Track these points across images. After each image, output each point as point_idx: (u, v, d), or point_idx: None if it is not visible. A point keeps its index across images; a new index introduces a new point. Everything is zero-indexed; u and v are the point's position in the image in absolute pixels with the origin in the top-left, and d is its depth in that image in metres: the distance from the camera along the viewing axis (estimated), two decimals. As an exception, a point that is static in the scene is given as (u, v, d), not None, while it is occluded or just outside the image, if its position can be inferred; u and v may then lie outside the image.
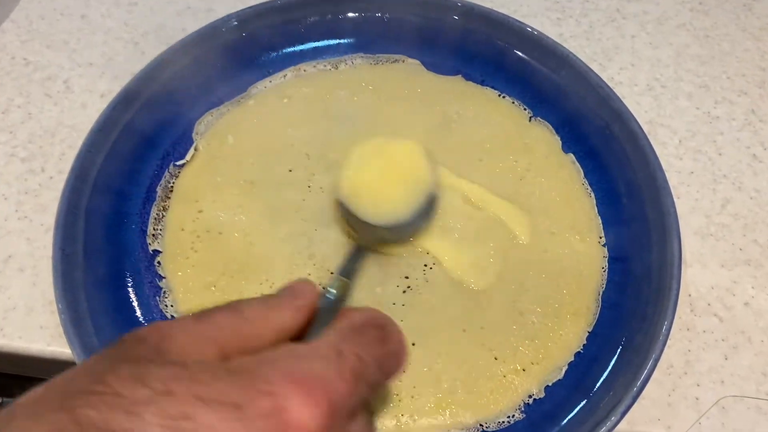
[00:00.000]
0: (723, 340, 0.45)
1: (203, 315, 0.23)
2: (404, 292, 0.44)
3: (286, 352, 0.22)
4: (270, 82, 0.55)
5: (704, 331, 0.46)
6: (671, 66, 0.59)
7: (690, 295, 0.47)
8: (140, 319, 0.44)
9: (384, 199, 0.44)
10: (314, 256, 0.46)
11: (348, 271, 0.39)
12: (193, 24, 0.61)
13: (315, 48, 0.56)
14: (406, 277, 0.45)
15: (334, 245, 0.46)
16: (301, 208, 0.48)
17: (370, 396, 0.24)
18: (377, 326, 0.26)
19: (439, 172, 0.47)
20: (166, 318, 0.43)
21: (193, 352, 0.21)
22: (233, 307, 0.24)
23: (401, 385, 0.41)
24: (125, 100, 0.49)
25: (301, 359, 0.22)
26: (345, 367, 0.22)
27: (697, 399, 0.43)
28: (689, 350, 0.45)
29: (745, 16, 0.63)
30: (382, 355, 0.25)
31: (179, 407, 0.18)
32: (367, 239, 0.44)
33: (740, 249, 0.49)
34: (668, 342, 0.40)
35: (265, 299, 0.25)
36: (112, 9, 0.62)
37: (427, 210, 0.45)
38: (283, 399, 0.20)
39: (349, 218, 0.45)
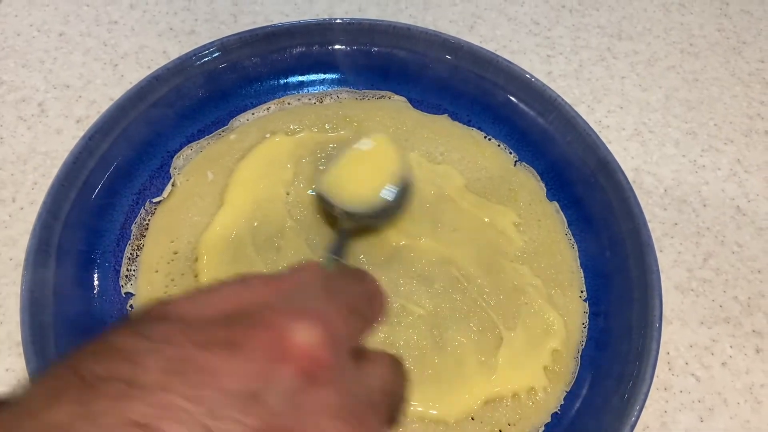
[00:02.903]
0: (699, 401, 0.45)
1: (208, 286, 0.24)
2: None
3: (280, 299, 0.23)
4: (252, 114, 0.53)
5: (681, 392, 0.46)
6: (659, 110, 0.59)
7: (668, 353, 0.47)
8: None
9: (359, 188, 0.47)
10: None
11: (338, 250, 0.45)
12: (175, 47, 0.59)
13: (300, 81, 0.55)
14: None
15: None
16: (281, 250, 0.47)
17: (363, 335, 0.25)
18: (356, 272, 0.28)
19: (408, 160, 0.51)
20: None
21: (195, 314, 0.22)
22: (238, 278, 0.25)
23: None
24: (102, 129, 0.48)
25: (295, 301, 0.23)
26: (337, 302, 0.23)
27: (671, 463, 0.43)
28: (665, 411, 0.45)
29: (735, 60, 0.63)
30: (366, 291, 0.27)
31: (178, 353, 0.19)
32: (351, 225, 0.47)
33: (720, 306, 0.49)
34: (645, 403, 0.40)
35: (270, 274, 0.26)
36: (91, 27, 0.60)
37: (401, 194, 0.48)
38: (281, 330, 0.20)
39: (330, 210, 0.47)
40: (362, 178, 0.48)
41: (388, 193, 0.47)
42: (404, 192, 0.48)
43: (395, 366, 0.26)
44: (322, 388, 0.20)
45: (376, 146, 0.49)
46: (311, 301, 0.23)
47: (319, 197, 0.48)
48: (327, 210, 0.48)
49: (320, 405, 0.20)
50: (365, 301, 0.26)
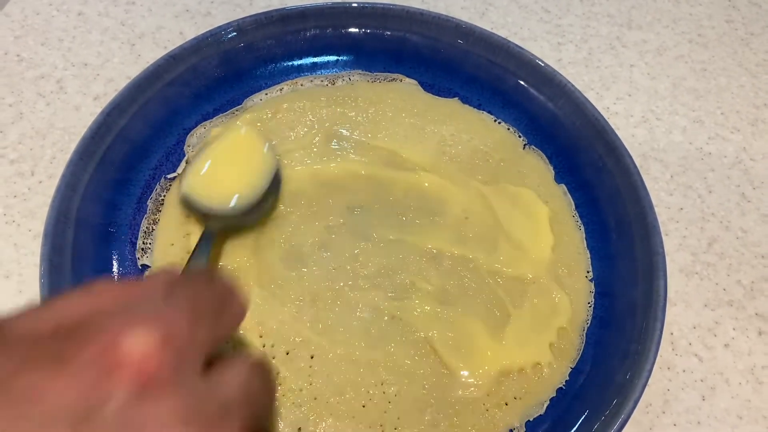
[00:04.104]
0: (701, 380, 0.46)
1: (53, 298, 0.22)
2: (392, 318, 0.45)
3: (116, 308, 0.21)
4: (266, 95, 0.54)
5: (684, 371, 0.46)
6: (667, 98, 0.60)
7: (672, 334, 0.48)
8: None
9: (225, 187, 0.46)
10: (308, 274, 0.46)
11: (201, 255, 0.42)
12: (191, 28, 0.60)
13: (313, 63, 0.56)
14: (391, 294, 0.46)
15: (327, 260, 0.46)
16: (295, 231, 0.48)
17: (216, 341, 0.23)
18: (206, 274, 0.26)
19: (275, 150, 0.49)
20: (152, 335, 0.43)
21: (31, 330, 0.20)
22: (82, 287, 0.23)
23: (386, 416, 0.41)
24: (119, 106, 0.48)
25: (132, 308, 0.21)
26: (179, 306, 0.21)
27: (673, 439, 0.44)
28: (668, 389, 0.46)
29: (743, 51, 0.63)
30: (217, 294, 0.24)
31: (2, 372, 0.18)
32: (217, 226, 0.45)
33: (724, 289, 0.50)
34: (648, 380, 0.41)
35: (121, 281, 0.24)
36: (109, 7, 0.61)
37: (272, 189, 0.47)
38: (113, 338, 0.18)
39: (196, 211, 0.46)
40: (228, 175, 0.47)
41: (254, 190, 0.46)
42: (273, 185, 0.48)
43: (258, 373, 0.24)
44: (161, 398, 0.18)
45: (240, 139, 0.48)
46: (149, 307, 0.21)
47: (184, 199, 0.46)
48: (194, 210, 0.46)
49: (159, 417, 0.18)
50: (215, 305, 0.24)
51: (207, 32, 0.52)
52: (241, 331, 0.43)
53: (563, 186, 0.52)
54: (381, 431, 0.41)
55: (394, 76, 0.56)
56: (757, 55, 0.63)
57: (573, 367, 0.45)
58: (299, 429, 0.40)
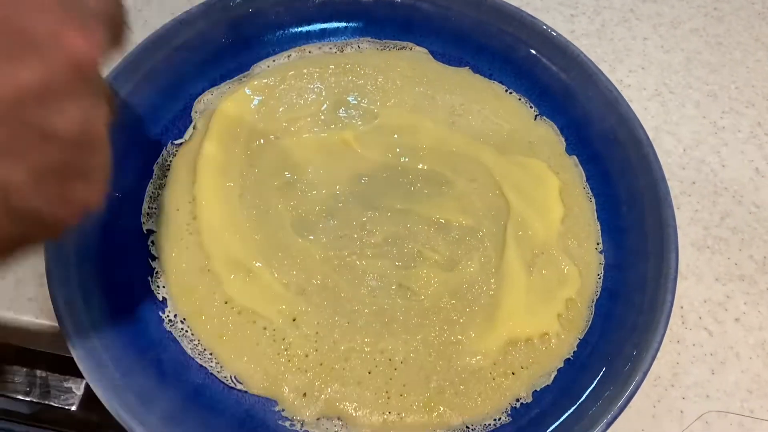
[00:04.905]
0: (711, 354, 0.46)
1: None
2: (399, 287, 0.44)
3: None
4: (273, 61, 0.53)
5: (693, 345, 0.46)
6: (681, 72, 0.59)
7: (682, 307, 0.47)
8: (132, 298, 0.43)
9: None
10: (315, 241, 0.45)
11: None
12: (198, -6, 0.59)
13: (322, 29, 0.55)
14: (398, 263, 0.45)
15: (334, 229, 0.46)
16: (302, 199, 0.47)
17: None
18: None
19: None
20: (157, 299, 0.43)
21: None
22: None
23: (391, 383, 0.41)
24: (126, 70, 0.48)
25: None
26: None
27: (681, 412, 0.44)
28: (677, 363, 0.45)
29: (759, 25, 0.62)
30: None
31: None
32: None
33: (735, 264, 0.49)
34: (657, 353, 0.40)
35: None
36: (115, -28, 0.60)
37: None
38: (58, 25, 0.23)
39: None
40: None
41: None
42: None
43: None
44: None
45: None
46: None
47: None
48: None
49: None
50: None
51: (215, -4, 0.52)
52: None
53: (574, 157, 0.51)
54: (386, 397, 0.41)
55: (404, 44, 0.55)
56: (774, 30, 0.62)
57: (581, 338, 0.44)
58: (304, 394, 0.40)
